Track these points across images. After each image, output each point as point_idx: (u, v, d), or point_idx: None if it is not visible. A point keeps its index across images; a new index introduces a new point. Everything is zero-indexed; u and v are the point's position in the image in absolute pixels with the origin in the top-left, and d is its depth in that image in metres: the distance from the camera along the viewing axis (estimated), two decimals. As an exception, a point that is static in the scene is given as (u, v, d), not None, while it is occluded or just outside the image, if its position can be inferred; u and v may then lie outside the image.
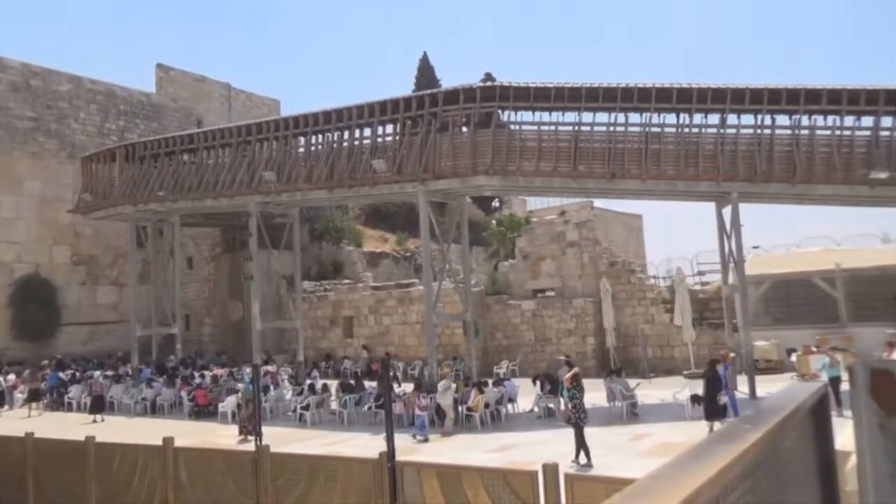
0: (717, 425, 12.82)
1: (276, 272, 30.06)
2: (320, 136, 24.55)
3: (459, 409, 16.47)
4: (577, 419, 12.09)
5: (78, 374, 24.75)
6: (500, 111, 20.95)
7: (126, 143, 30.35)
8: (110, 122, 36.38)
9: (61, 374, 24.88)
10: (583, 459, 11.66)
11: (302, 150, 25.06)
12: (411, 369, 26.04)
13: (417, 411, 15.43)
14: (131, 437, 10.66)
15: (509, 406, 17.58)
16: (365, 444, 13.57)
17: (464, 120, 21.37)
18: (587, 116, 20.16)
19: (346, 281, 33.04)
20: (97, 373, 23.47)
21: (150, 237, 29.96)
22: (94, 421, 18.80)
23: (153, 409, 20.92)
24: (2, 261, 31.23)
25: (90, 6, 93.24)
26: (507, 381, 18.84)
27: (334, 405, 18.48)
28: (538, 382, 17.71)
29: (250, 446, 9.39)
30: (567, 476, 4.34)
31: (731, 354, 17.18)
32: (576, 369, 13.52)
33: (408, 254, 39.05)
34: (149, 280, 30.11)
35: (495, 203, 48.60)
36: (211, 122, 36.72)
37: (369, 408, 17.66)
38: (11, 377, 24.83)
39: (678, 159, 19.47)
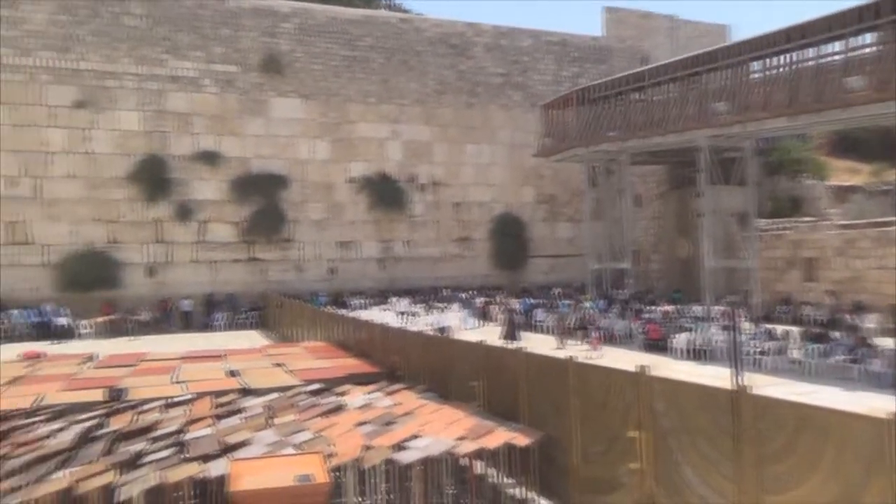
0: None
1: (726, 209, 28.77)
2: (779, 59, 22.27)
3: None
4: None
5: (543, 301, 27.99)
6: None
7: (579, 88, 32.37)
8: (564, 69, 39.20)
9: (530, 300, 28.54)
10: None
11: (757, 75, 23.13)
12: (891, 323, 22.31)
13: None
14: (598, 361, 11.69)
15: None
16: (834, 400, 12.24)
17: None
18: None
19: (807, 218, 29.80)
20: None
21: (601, 176, 31.75)
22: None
23: (608, 339, 22.41)
24: (483, 201, 36.95)
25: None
26: None
27: (795, 354, 17.07)
28: None
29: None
30: None
31: None
32: None
33: (887, 187, 33.18)
34: (601, 217, 32.04)
35: None
36: (656, 57, 36.47)
37: (839, 361, 15.83)
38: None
39: None
